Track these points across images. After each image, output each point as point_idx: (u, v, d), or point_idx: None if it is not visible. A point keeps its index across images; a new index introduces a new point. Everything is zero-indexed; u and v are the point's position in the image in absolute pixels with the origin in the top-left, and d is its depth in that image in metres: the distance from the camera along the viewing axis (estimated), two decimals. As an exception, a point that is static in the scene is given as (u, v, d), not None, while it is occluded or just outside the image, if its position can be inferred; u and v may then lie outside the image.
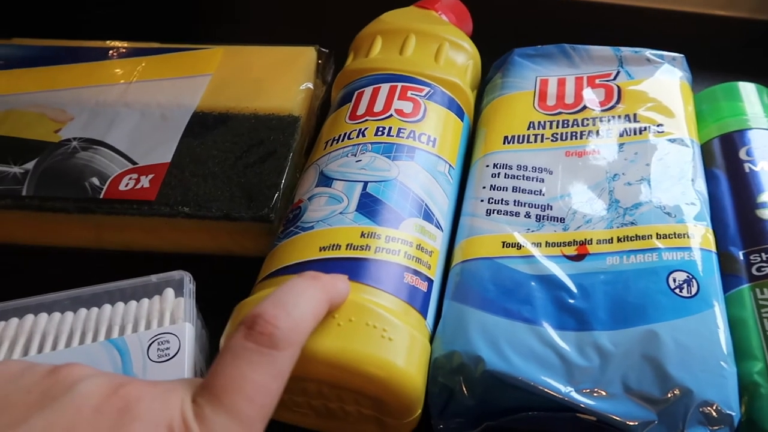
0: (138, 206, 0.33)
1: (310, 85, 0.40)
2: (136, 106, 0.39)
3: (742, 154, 0.33)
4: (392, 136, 0.31)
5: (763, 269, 0.28)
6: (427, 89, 0.34)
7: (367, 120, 0.32)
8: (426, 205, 0.30)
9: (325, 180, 0.30)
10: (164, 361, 0.26)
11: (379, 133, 0.32)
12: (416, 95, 0.34)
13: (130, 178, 0.35)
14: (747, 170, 0.32)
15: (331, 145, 0.32)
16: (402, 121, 0.32)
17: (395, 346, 0.24)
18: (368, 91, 0.34)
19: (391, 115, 0.32)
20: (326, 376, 0.24)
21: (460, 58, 0.37)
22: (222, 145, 0.36)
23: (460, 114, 0.35)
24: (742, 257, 0.29)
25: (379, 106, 0.33)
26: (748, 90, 0.37)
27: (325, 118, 0.36)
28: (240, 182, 0.34)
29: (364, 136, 0.32)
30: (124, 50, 0.42)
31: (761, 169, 0.32)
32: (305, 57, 0.41)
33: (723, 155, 0.34)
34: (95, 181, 0.34)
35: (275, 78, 0.39)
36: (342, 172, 0.30)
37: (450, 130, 0.34)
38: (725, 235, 0.30)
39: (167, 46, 0.42)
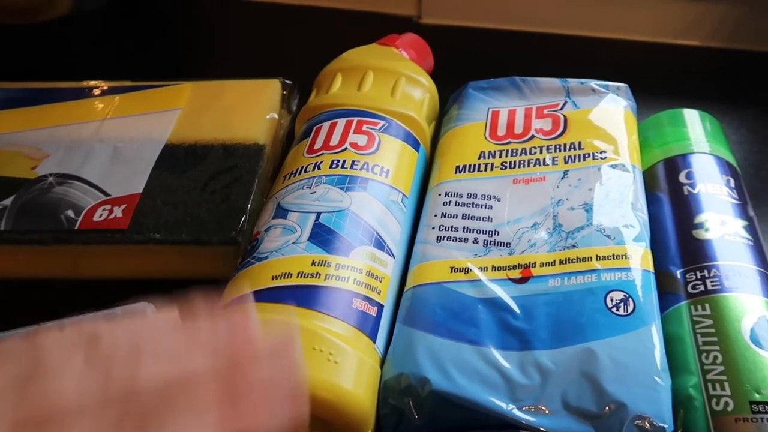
0: (111, 235, 0.35)
1: (275, 115, 0.42)
2: (109, 141, 0.40)
3: (682, 178, 0.35)
4: (346, 168, 0.33)
5: (697, 287, 0.30)
6: (382, 123, 0.36)
7: (323, 153, 0.34)
8: (377, 233, 0.31)
9: (281, 212, 0.31)
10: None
11: (334, 165, 0.33)
12: (371, 129, 0.35)
13: (104, 209, 0.36)
14: (686, 193, 0.34)
15: (289, 178, 0.34)
16: (356, 153, 0.34)
17: (341, 368, 0.26)
18: (326, 126, 0.36)
19: (345, 149, 0.34)
20: None
21: (417, 93, 0.39)
22: (191, 173, 0.38)
23: (415, 145, 0.37)
24: (680, 276, 0.31)
25: (334, 140, 0.35)
26: (692, 116, 0.38)
27: (290, 147, 0.38)
28: (209, 208, 0.36)
29: (319, 168, 0.33)
30: (98, 90, 0.44)
31: (699, 191, 0.34)
32: (270, 89, 0.43)
33: (666, 179, 0.35)
34: (70, 213, 0.36)
35: (241, 109, 0.41)
36: (297, 203, 0.31)
37: (405, 161, 0.36)
38: (666, 256, 0.32)
39: (139, 84, 0.44)
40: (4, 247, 0.36)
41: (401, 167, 0.35)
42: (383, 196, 0.33)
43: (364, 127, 0.35)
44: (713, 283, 0.29)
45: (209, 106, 0.42)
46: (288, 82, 0.44)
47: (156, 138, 0.40)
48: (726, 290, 0.29)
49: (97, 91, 0.44)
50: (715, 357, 0.27)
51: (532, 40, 0.54)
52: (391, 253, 0.31)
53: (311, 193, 0.32)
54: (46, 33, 0.55)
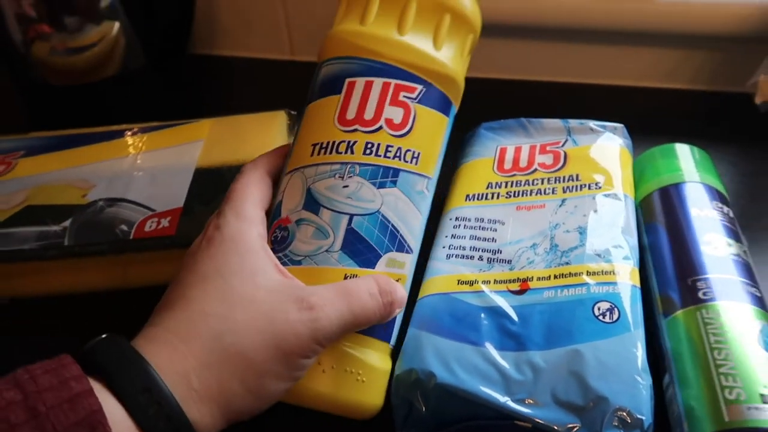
0: (162, 240, 0.40)
1: (284, 141, 0.47)
2: (146, 170, 0.46)
3: (676, 204, 0.38)
4: (380, 155, 0.33)
5: (697, 297, 0.33)
6: (419, 89, 0.35)
7: (356, 130, 0.34)
8: (400, 234, 0.34)
9: (312, 202, 0.33)
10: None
11: (368, 151, 0.33)
12: (407, 98, 0.34)
13: (152, 221, 0.42)
14: (680, 218, 0.37)
15: (319, 153, 0.33)
16: (390, 135, 0.34)
17: (367, 386, 0.32)
18: (360, 84, 0.34)
19: (380, 127, 0.34)
20: (312, 408, 0.33)
21: (461, 33, 0.36)
22: (221, 188, 0.40)
23: (447, 108, 0.36)
24: (678, 293, 0.34)
25: (369, 112, 0.34)
26: (683, 150, 0.42)
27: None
28: None
29: (352, 152, 0.33)
30: (129, 131, 0.50)
31: (692, 216, 0.37)
32: (278, 119, 0.49)
33: (661, 206, 0.39)
34: (124, 227, 0.41)
35: (255, 136, 0.47)
36: (329, 198, 0.33)
37: (437, 136, 0.36)
38: (664, 279, 0.35)
39: (165, 123, 0.50)
40: (66, 263, 0.41)
41: (432, 146, 0.35)
42: (409, 188, 0.34)
43: (401, 96, 0.34)
44: (706, 294, 0.33)
45: (228, 136, 0.48)
46: (293, 112, 0.49)
47: (186, 164, 0.46)
48: (718, 299, 0.32)
49: (128, 132, 0.50)
50: (727, 354, 0.30)
51: (533, 87, 0.60)
52: (409, 250, 0.34)
53: (344, 187, 0.32)
54: (92, 91, 0.61)
